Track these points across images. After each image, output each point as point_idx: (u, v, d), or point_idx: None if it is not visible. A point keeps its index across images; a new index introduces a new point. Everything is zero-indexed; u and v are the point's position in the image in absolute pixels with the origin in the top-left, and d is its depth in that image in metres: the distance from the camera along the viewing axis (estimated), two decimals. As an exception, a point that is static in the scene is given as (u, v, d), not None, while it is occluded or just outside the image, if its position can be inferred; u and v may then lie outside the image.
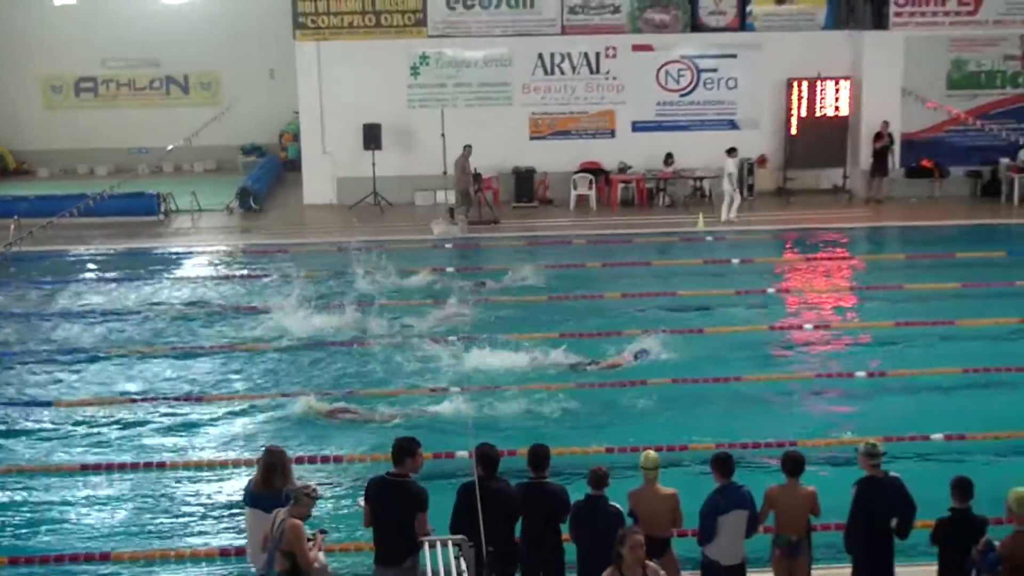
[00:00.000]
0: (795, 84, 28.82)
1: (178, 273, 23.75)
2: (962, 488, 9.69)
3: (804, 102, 28.95)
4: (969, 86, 29.26)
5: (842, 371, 17.23)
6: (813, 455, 13.95)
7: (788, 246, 25.26)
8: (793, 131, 29.04)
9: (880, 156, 28.57)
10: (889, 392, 16.52)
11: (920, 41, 28.86)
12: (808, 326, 19.34)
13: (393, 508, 9.69)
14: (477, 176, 27.51)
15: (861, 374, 17.06)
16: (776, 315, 20.14)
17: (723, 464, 10.03)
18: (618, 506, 9.88)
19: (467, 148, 27.03)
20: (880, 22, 29.19)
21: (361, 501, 10.04)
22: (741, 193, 27.37)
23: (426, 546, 8.99)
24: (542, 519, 10.06)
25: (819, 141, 28.49)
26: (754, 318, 19.87)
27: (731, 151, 27.02)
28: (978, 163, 29.58)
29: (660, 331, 18.38)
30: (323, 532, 10.07)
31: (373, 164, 28.27)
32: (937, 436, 14.55)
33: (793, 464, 10.14)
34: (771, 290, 21.58)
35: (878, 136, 28.46)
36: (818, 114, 28.96)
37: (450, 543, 8.99)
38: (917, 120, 28.93)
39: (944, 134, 29.34)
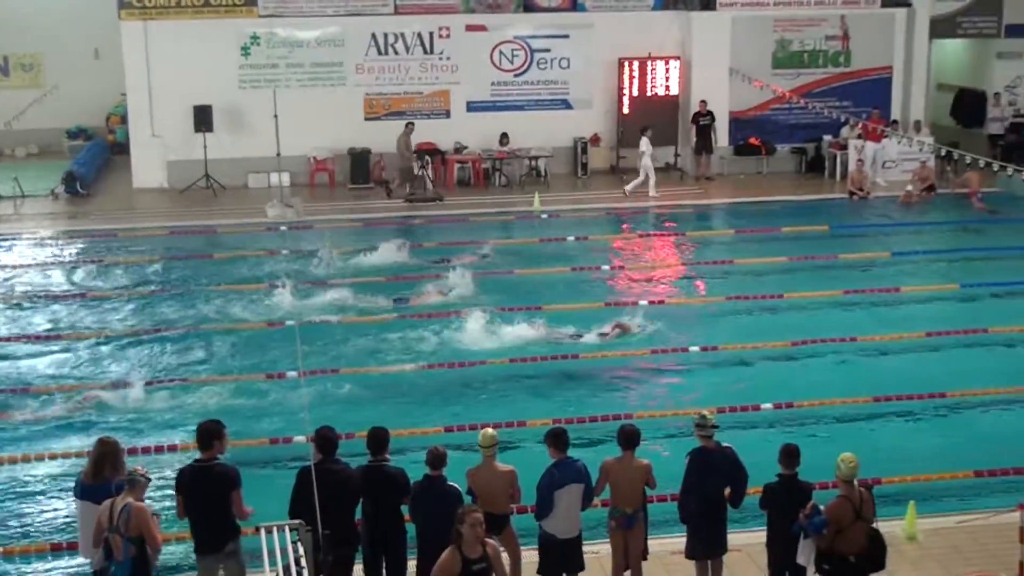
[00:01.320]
0: (626, 64, 29.19)
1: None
2: (789, 455, 9.99)
3: (635, 82, 29.34)
4: (793, 65, 30.05)
5: (676, 346, 17.58)
6: (649, 427, 14.32)
7: (622, 224, 25.63)
8: (625, 110, 29.42)
9: (703, 134, 29.18)
10: (721, 364, 16.96)
11: (746, 21, 29.53)
12: (643, 302, 19.66)
13: (206, 493, 9.63)
14: (421, 154, 27.53)
15: (695, 348, 17.45)
16: (611, 292, 20.41)
17: (557, 439, 10.14)
18: (456, 485, 9.92)
19: (410, 125, 27.42)
20: (708, 3, 29.72)
21: None
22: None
23: (262, 531, 8.90)
24: (382, 501, 10.04)
25: (650, 120, 28.92)
26: (590, 295, 20.11)
27: (644, 130, 27.62)
28: (803, 140, 30.43)
29: (497, 309, 18.55)
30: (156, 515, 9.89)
31: (204, 147, 27.70)
32: (767, 406, 15.01)
33: (627, 437, 10.31)
34: (606, 267, 21.86)
35: (696, 115, 29.07)
36: (649, 93, 29.39)
37: (287, 528, 8.92)
38: (744, 99, 29.60)
39: (770, 112, 30.10)
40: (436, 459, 9.94)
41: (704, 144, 29.29)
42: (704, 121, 29.13)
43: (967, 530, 11.61)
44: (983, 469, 13.12)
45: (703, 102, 29.07)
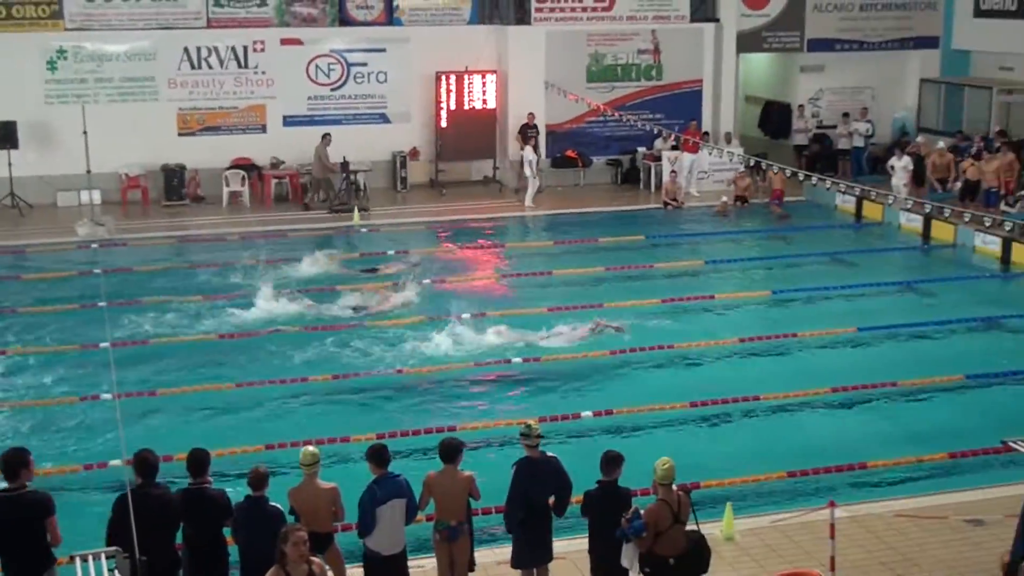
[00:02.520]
0: (443, 78, 29.29)
1: None
2: (610, 462, 10.15)
3: (453, 95, 29.46)
4: (607, 79, 30.60)
5: (499, 358, 17.70)
6: (476, 439, 14.42)
7: (443, 237, 25.68)
8: (443, 124, 29.51)
9: (529, 147, 29.46)
10: (544, 375, 17.12)
11: (560, 36, 29.94)
12: (466, 315, 19.73)
13: (19, 522, 9.27)
14: (345, 164, 27.47)
15: (517, 359, 17.58)
16: (434, 305, 20.41)
17: (378, 455, 10.09)
18: (278, 505, 9.79)
19: (327, 136, 27.55)
20: (523, 17, 30.08)
21: None
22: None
23: (77, 560, 8.62)
24: (203, 524, 9.84)
25: (469, 133, 29.10)
26: (413, 309, 20.08)
27: (527, 139, 28.16)
28: (618, 152, 31.00)
29: (319, 328, 18.42)
30: None
31: (9, 164, 26.70)
32: (587, 414, 15.22)
33: (447, 451, 10.32)
34: (427, 281, 21.85)
35: (524, 127, 29.36)
36: (467, 107, 29.54)
37: (103, 555, 8.65)
38: (560, 112, 29.99)
39: (586, 125, 30.57)
40: (257, 479, 9.79)
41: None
42: (531, 133, 29.46)
43: (781, 529, 11.97)
44: (796, 470, 13.55)
45: (531, 114, 29.39)
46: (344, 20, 29.62)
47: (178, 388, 16.21)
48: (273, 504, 9.76)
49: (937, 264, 23.99)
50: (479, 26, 30.26)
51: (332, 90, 29.57)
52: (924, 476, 13.73)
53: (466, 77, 29.47)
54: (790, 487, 13.36)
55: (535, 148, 28.71)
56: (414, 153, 29.92)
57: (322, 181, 27.80)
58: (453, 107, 29.47)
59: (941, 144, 26.94)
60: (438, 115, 29.52)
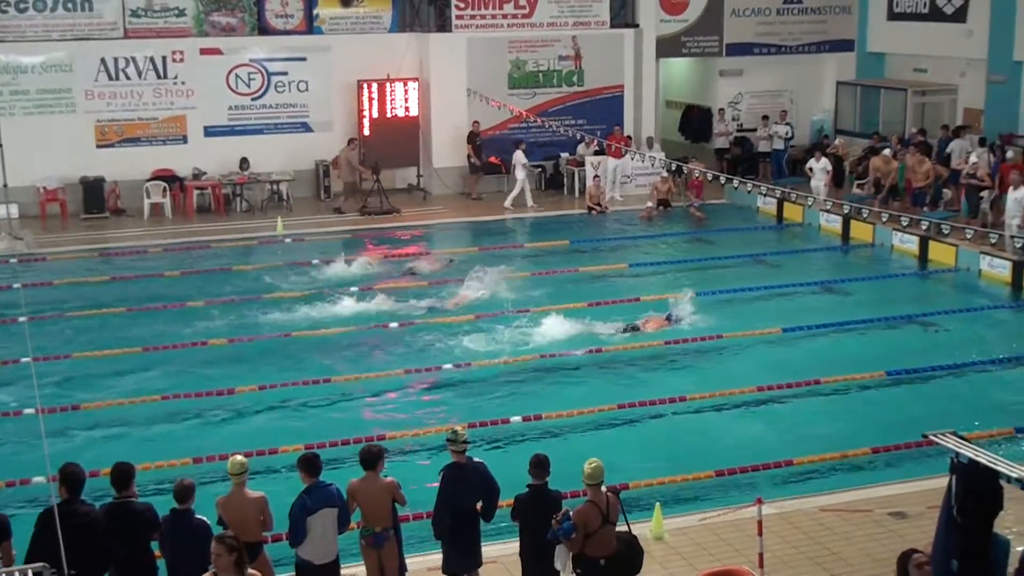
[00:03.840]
0: (365, 86, 29.22)
1: None
2: (538, 465, 10.20)
3: (375, 103, 29.38)
4: (529, 85, 30.72)
5: (430, 364, 17.70)
6: (404, 446, 14.42)
7: (368, 244, 25.59)
8: (366, 132, 29.44)
9: (478, 154, 29.55)
10: (471, 380, 17.14)
11: (481, 43, 30.01)
12: (394, 324, 19.70)
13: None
14: (376, 166, 27.89)
15: (448, 366, 17.58)
16: (362, 313, 20.35)
17: (309, 464, 10.06)
18: (204, 518, 9.70)
19: (353, 141, 28.37)
20: (443, 24, 30.11)
21: None
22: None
23: (2, 578, 8.50)
24: (130, 539, 9.72)
25: (392, 141, 29.02)
26: (341, 318, 20.01)
27: (518, 143, 28.62)
28: (541, 158, 31.12)
29: (249, 339, 18.32)
30: None
31: (-79, 179, 26.18)
32: (516, 419, 15.26)
33: (368, 457, 10.31)
34: (354, 289, 21.78)
35: (472, 135, 29.41)
36: (389, 115, 29.47)
37: (29, 572, 8.51)
38: (483, 119, 30.01)
39: (509, 131, 30.64)
40: (182, 492, 9.69)
41: (479, 163, 29.64)
42: (478, 141, 29.48)
43: (710, 527, 12.09)
44: (723, 468, 13.69)
45: (476, 122, 29.49)
46: (264, 29, 29.46)
47: (103, 402, 16.01)
48: (199, 517, 9.67)
49: (857, 264, 24.35)
50: (400, 34, 30.22)
51: (253, 100, 29.36)
52: (849, 471, 13.95)
53: (388, 85, 29.41)
54: (718, 485, 13.50)
55: (525, 152, 29.07)
56: (337, 162, 29.77)
57: (350, 184, 28.29)
58: (375, 115, 29.38)
59: (887, 151, 27.00)
60: (360, 123, 29.42)
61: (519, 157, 28.90)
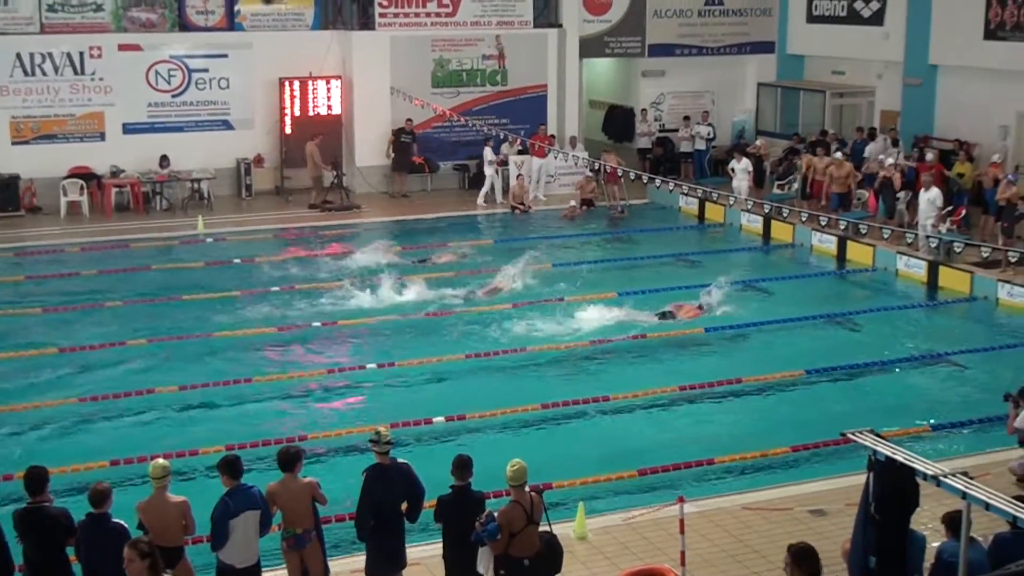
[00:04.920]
0: (287, 83, 28.99)
1: None
2: (461, 466, 10.17)
3: (297, 101, 29.17)
4: (452, 84, 30.65)
5: (353, 364, 17.61)
6: (328, 447, 14.34)
7: (289, 244, 25.41)
8: (288, 130, 29.21)
9: (404, 151, 29.44)
10: (397, 380, 17.09)
11: (405, 41, 29.89)
12: (316, 323, 19.58)
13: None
14: (336, 163, 28.23)
15: (372, 365, 17.50)
16: (283, 314, 20.19)
17: (230, 467, 9.96)
18: (121, 522, 9.55)
19: (316, 137, 28.26)
20: (366, 23, 29.96)
21: None
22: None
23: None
24: (45, 544, 9.56)
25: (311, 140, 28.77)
26: (263, 318, 19.85)
27: (487, 140, 28.71)
28: (465, 157, 31.08)
29: (160, 338, 18.11)
30: None
31: None
32: (439, 419, 15.23)
33: (286, 458, 10.26)
34: (275, 289, 21.60)
35: (399, 131, 29.28)
36: (312, 113, 29.27)
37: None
38: (407, 117, 29.87)
39: (432, 130, 30.56)
40: (98, 496, 9.53)
41: (403, 162, 29.51)
42: (406, 139, 29.37)
43: (633, 526, 12.15)
44: (646, 468, 13.77)
45: (409, 120, 29.35)
46: (184, 25, 29.10)
47: (18, 405, 15.73)
48: (116, 521, 9.52)
49: (777, 263, 24.63)
50: (323, 31, 30.03)
51: (173, 96, 28.99)
52: (769, 469, 14.10)
53: (310, 83, 29.21)
54: (641, 485, 13.56)
55: (495, 150, 29.24)
56: (258, 160, 29.53)
57: (315, 179, 28.30)
58: (298, 113, 29.17)
59: (839, 155, 26.78)
60: (282, 121, 29.20)
61: (487, 154, 28.97)
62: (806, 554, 8.32)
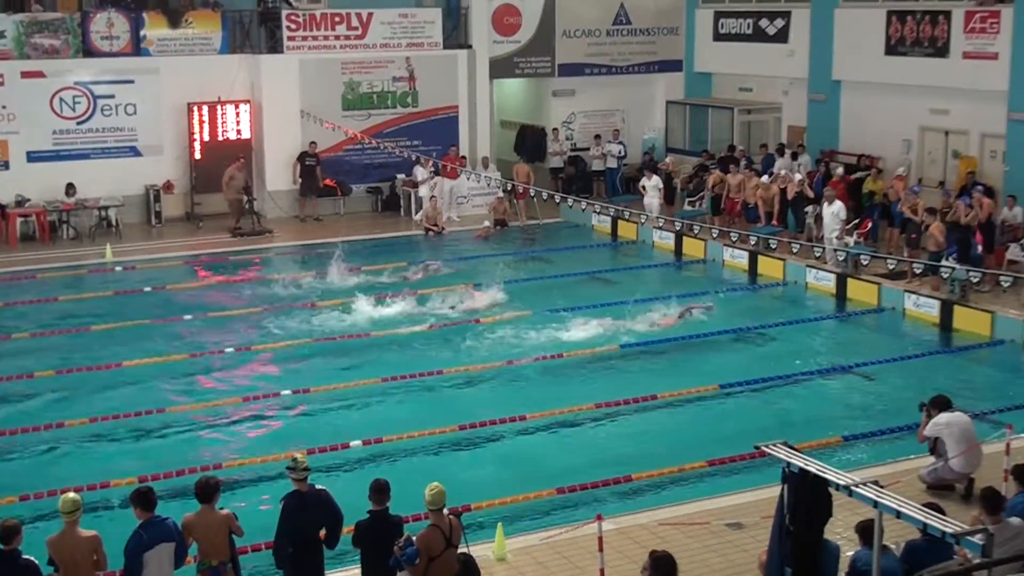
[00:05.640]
0: (196, 109, 28.72)
1: None
2: (379, 491, 10.14)
3: (206, 126, 28.89)
4: (363, 107, 30.57)
5: (268, 391, 17.45)
6: (243, 475, 14.18)
7: (201, 271, 25.13)
8: (197, 156, 28.91)
9: (309, 175, 29.28)
10: (312, 406, 16.95)
11: (314, 64, 29.77)
12: (230, 349, 19.39)
13: None
14: (247, 187, 27.71)
15: (287, 391, 17.35)
16: (195, 342, 19.96)
17: (143, 499, 9.81)
18: (32, 559, 9.37)
19: (239, 160, 27.91)
20: (275, 46, 29.79)
21: None
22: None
23: None
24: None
25: (224, 165, 28.48)
26: (175, 347, 19.60)
27: (417, 160, 28.51)
28: (377, 180, 31.01)
29: (78, 370, 17.78)
30: None
31: None
32: (356, 443, 15.14)
33: (204, 489, 10.14)
34: (188, 316, 21.35)
35: (303, 155, 29.14)
36: (221, 138, 29.01)
37: None
38: (318, 141, 29.70)
39: (343, 153, 30.44)
40: (7, 532, 9.34)
41: (311, 185, 29.34)
42: (310, 162, 29.20)
43: (552, 545, 12.16)
44: (564, 486, 13.81)
45: (313, 143, 29.16)
46: (89, 51, 28.67)
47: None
48: (27, 557, 9.35)
49: (690, 279, 24.86)
50: (231, 56, 29.78)
51: (79, 123, 28.55)
52: (686, 484, 14.20)
53: (219, 108, 28.96)
54: (559, 503, 13.60)
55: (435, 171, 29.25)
56: (168, 186, 29.18)
57: (231, 203, 27.92)
58: (207, 138, 28.90)
59: (765, 178, 26.83)
60: (192, 147, 28.90)
61: (421, 173, 28.88)
62: (665, 561, 8.70)
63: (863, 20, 28.19)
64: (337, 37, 30.11)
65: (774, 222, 25.64)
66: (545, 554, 12.07)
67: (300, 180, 29.40)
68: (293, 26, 29.56)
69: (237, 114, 29.15)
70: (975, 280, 20.46)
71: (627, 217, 26.37)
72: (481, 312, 21.46)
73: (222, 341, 19.91)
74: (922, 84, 26.65)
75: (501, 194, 28.91)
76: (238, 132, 29.16)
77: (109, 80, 28.70)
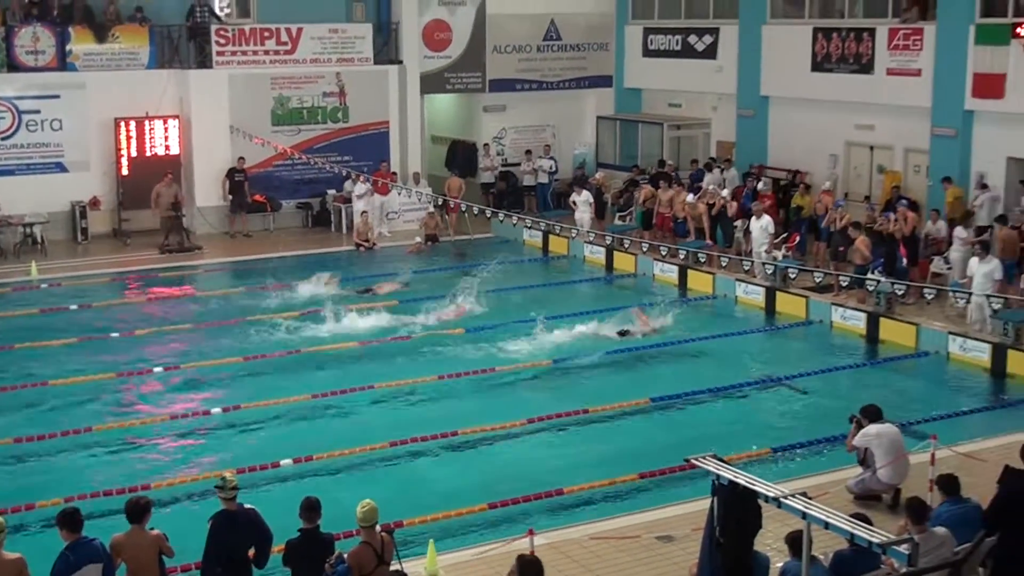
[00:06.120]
0: (123, 124, 28.41)
1: None
2: (309, 508, 10.08)
3: (134, 142, 28.59)
4: (293, 122, 30.41)
5: (197, 410, 17.27)
6: (172, 495, 14.00)
7: (129, 288, 24.84)
8: (125, 172, 28.59)
9: (238, 191, 29.08)
10: (243, 424, 16.81)
11: (243, 79, 29.58)
12: (158, 368, 19.18)
13: None
14: (176, 203, 27.23)
15: (216, 409, 17.20)
16: (124, 360, 19.71)
17: (70, 519, 9.66)
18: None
19: (165, 177, 27.52)
20: (204, 61, 29.57)
21: None
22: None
23: None
24: None
25: (152, 181, 28.17)
26: (102, 365, 19.34)
27: (348, 175, 28.58)
28: (308, 196, 30.87)
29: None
30: None
31: None
32: (287, 461, 15.03)
33: (135, 509, 10.00)
34: (115, 335, 21.09)
35: (232, 171, 28.92)
36: (149, 154, 28.71)
37: None
38: (247, 156, 29.52)
39: (273, 169, 30.27)
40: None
41: (241, 201, 29.12)
42: (239, 178, 28.99)
43: (484, 560, 12.14)
44: (496, 501, 13.80)
45: (241, 159, 28.96)
46: (13, 66, 28.24)
47: None
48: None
49: (621, 293, 24.98)
50: (159, 70, 29.47)
51: (3, 139, 28.11)
52: (617, 498, 14.26)
53: (147, 123, 28.68)
54: (491, 519, 13.57)
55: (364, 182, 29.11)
56: (94, 203, 28.83)
57: (162, 220, 27.62)
58: (135, 154, 28.59)
59: (691, 197, 26.82)
60: (119, 163, 28.58)
61: (359, 188, 28.80)
62: (532, 566, 8.97)
63: (790, 37, 28.58)
64: (267, 52, 29.95)
65: (708, 240, 25.80)
66: (477, 569, 12.05)
67: (230, 196, 29.19)
68: (222, 41, 29.36)
69: (165, 129, 28.89)
70: (900, 293, 20.81)
71: (558, 232, 26.46)
72: (413, 328, 21.40)
73: (151, 359, 19.69)
74: (848, 100, 27.08)
75: (432, 209, 28.88)
76: (166, 148, 28.88)
77: (34, 95, 28.31)
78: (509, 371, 19.07)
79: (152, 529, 10.09)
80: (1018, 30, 23.08)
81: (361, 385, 18.11)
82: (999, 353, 19.14)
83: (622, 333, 20.99)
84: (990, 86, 23.88)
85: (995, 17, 23.96)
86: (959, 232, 22.39)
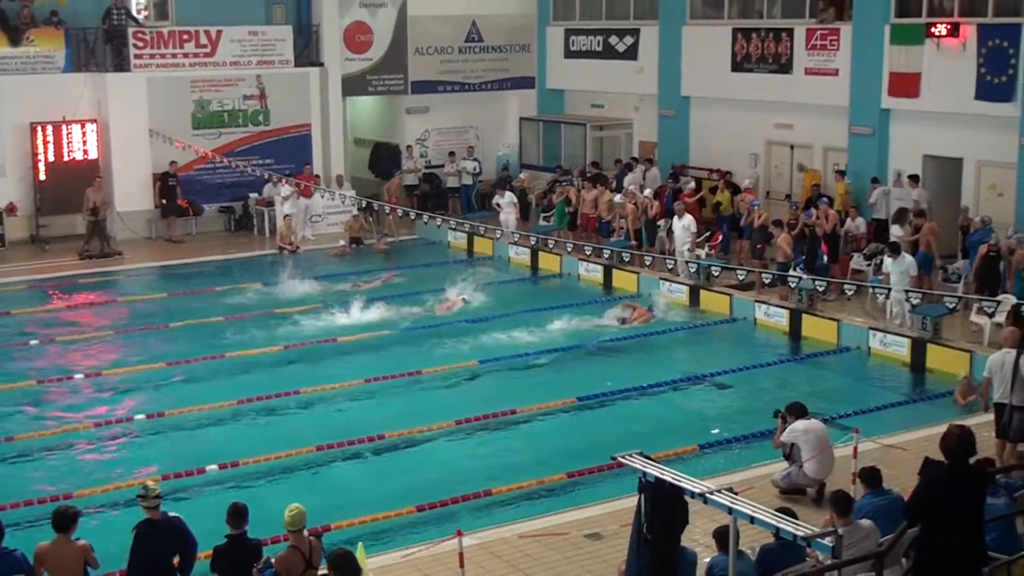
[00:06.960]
0: (39, 128, 27.94)
1: None
2: (236, 514, 9.97)
3: (51, 147, 28.13)
4: (214, 125, 30.13)
5: (120, 416, 17.05)
6: (96, 503, 13.81)
7: (48, 295, 24.43)
8: (42, 177, 28.12)
9: (170, 194, 28.84)
10: (167, 430, 16.62)
11: (162, 82, 29.23)
12: (79, 375, 18.89)
13: None
14: (96, 209, 26.88)
15: (140, 416, 16.98)
16: (42, 367, 19.40)
17: (-10, 531, 9.51)
18: None
19: (96, 180, 27.40)
20: (121, 64, 29.17)
21: None
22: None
23: None
24: None
25: (71, 186, 27.75)
26: (21, 372, 19.02)
27: (270, 178, 28.18)
28: (229, 199, 30.60)
29: None
30: None
31: None
32: (212, 467, 14.89)
33: (61, 519, 9.87)
34: (35, 342, 20.76)
35: (165, 175, 28.67)
36: (67, 158, 28.28)
37: None
38: (167, 160, 29.16)
39: (195, 173, 29.95)
40: None
41: (172, 205, 28.76)
42: (172, 182, 28.65)
43: (413, 563, 12.09)
44: (424, 503, 13.77)
45: (173, 163, 28.63)
46: (-75, 70, 27.73)
47: None
48: None
49: (546, 294, 25.03)
50: (76, 74, 28.99)
51: (-85, 144, 27.58)
52: (546, 497, 14.29)
53: (64, 127, 28.23)
54: (420, 520, 13.54)
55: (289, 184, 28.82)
56: (11, 208, 28.31)
57: (91, 226, 27.29)
58: (52, 159, 28.14)
59: (619, 197, 26.79)
60: (36, 168, 28.10)
61: (285, 190, 28.53)
62: (346, 559, 9.18)
63: (710, 37, 28.84)
64: (186, 55, 29.64)
65: (632, 241, 25.91)
66: (406, 572, 12.00)
67: (163, 201, 28.84)
68: (140, 44, 29.00)
69: (83, 134, 28.47)
70: (821, 289, 21.08)
71: (483, 233, 26.47)
72: (339, 331, 21.29)
73: (71, 366, 19.41)
74: (767, 100, 27.38)
75: (356, 212, 28.76)
76: (85, 152, 28.47)
77: (-53, 99, 27.78)
78: (435, 372, 19.03)
79: (78, 539, 9.94)
80: (932, 30, 23.48)
81: (287, 390, 17.97)
82: (918, 348, 19.46)
83: (622, 321, 21.96)
84: (906, 85, 24.27)
85: (910, 17, 24.34)
86: (895, 231, 22.62)
